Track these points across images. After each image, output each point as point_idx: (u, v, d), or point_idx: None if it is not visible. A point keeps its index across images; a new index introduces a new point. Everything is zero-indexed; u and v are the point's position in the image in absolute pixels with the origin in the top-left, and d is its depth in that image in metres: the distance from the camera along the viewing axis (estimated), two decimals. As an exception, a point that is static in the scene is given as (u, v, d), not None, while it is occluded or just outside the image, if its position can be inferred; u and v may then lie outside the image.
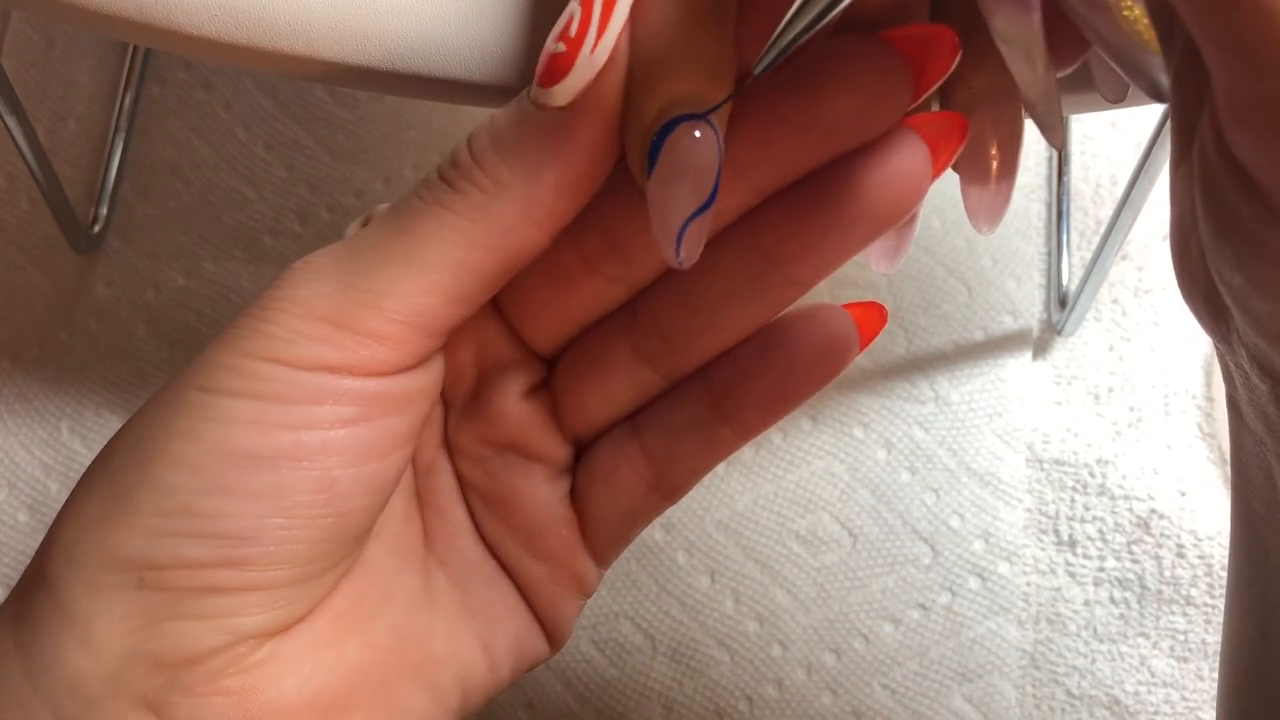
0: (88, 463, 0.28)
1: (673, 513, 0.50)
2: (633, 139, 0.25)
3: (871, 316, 0.28)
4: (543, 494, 0.29)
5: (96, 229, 0.53)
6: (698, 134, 0.25)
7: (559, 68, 0.25)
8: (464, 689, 0.29)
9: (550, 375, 0.30)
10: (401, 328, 0.26)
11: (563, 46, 0.25)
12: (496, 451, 0.29)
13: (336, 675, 0.27)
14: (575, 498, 0.30)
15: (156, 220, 0.54)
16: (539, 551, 0.29)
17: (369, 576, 0.28)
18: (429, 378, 0.28)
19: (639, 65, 0.25)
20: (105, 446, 0.27)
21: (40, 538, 0.47)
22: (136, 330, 0.53)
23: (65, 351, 0.52)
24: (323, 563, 0.27)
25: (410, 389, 0.27)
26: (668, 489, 0.29)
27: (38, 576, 0.27)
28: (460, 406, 0.30)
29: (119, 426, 0.28)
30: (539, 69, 0.25)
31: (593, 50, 0.25)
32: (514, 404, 0.29)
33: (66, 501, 0.27)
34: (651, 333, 0.28)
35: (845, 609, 0.49)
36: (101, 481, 0.27)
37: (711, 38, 0.25)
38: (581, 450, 0.30)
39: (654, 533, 0.50)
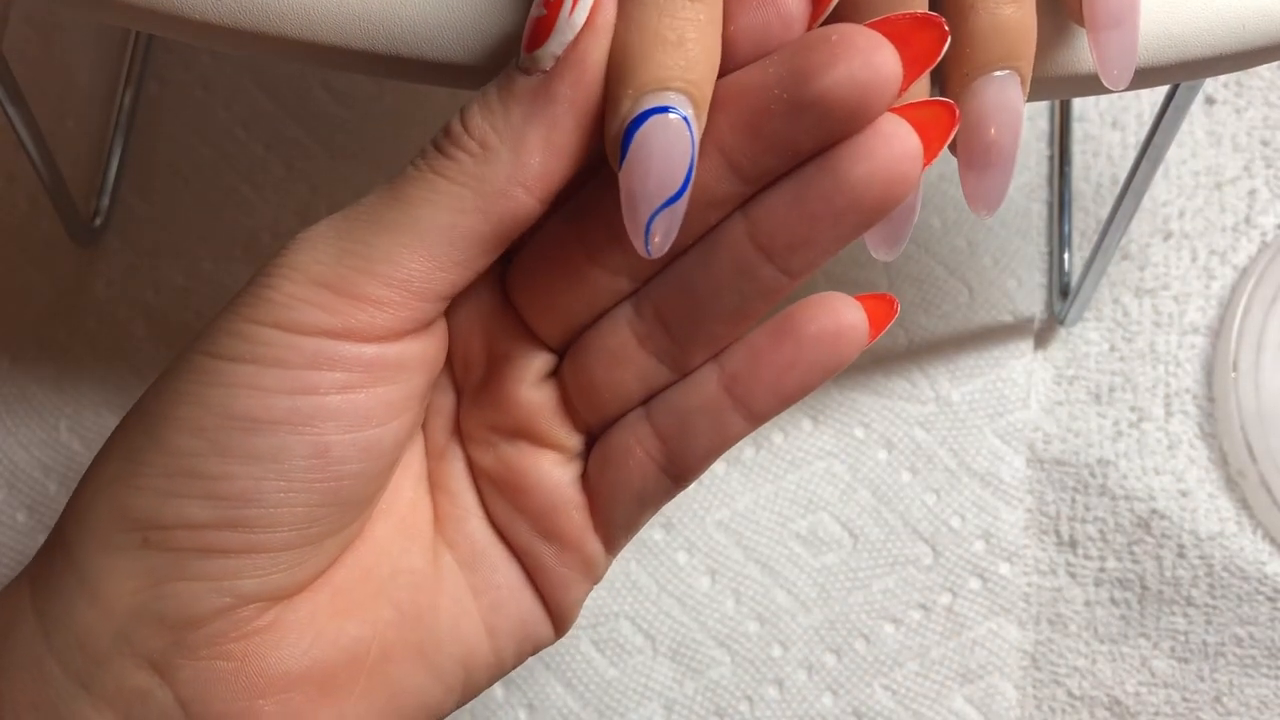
0: (87, 463, 0.28)
1: (673, 513, 0.50)
2: (609, 126, 0.26)
3: (881, 308, 0.29)
4: (554, 477, 0.30)
5: (98, 222, 0.53)
6: (670, 126, 0.25)
7: (541, 30, 0.26)
8: (466, 670, 0.29)
9: (560, 365, 0.30)
10: (397, 293, 0.27)
11: (544, 10, 0.26)
12: (507, 438, 0.30)
13: (337, 648, 0.28)
14: (587, 480, 0.30)
15: (156, 219, 0.54)
16: (549, 533, 0.30)
17: (375, 554, 0.29)
18: (429, 346, 0.28)
19: (618, 52, 0.26)
20: (125, 414, 0.28)
21: (39, 538, 0.47)
22: (136, 330, 0.53)
23: (64, 351, 0.52)
24: (322, 527, 0.27)
25: (408, 356, 0.28)
26: (679, 472, 0.29)
27: (56, 538, 0.28)
28: (471, 394, 0.30)
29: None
30: (524, 34, 0.26)
31: (571, 11, 0.26)
32: (524, 392, 0.30)
33: (88, 468, 0.28)
34: (654, 324, 0.29)
35: (846, 609, 0.49)
36: (116, 445, 0.28)
37: (694, 26, 0.26)
38: (592, 438, 0.30)
39: (654, 533, 0.50)
